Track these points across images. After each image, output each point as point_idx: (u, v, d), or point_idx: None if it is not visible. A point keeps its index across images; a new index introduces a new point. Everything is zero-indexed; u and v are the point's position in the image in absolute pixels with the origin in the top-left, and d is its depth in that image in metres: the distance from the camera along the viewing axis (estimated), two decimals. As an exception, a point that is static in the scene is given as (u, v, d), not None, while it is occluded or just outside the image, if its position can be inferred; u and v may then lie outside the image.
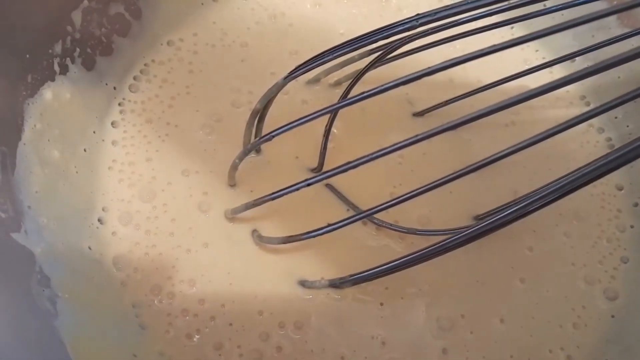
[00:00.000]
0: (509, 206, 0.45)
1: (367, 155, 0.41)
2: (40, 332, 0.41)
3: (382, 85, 0.41)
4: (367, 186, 0.54)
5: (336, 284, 0.49)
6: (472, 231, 0.42)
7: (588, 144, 0.59)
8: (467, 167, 0.41)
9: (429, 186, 0.41)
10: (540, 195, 0.40)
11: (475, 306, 0.50)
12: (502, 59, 0.58)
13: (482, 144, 0.58)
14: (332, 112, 0.45)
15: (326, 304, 0.49)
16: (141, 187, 0.53)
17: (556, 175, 0.53)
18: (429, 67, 0.40)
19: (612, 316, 0.51)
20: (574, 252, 0.54)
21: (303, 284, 0.50)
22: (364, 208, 0.45)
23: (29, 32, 0.46)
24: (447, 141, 0.57)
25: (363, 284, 0.49)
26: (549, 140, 0.53)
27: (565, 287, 0.52)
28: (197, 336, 0.47)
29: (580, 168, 0.38)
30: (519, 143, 0.39)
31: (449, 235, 0.43)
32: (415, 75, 0.40)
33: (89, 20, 0.52)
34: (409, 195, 0.42)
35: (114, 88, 0.56)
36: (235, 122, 0.56)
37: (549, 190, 0.40)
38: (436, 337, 0.49)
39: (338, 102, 0.45)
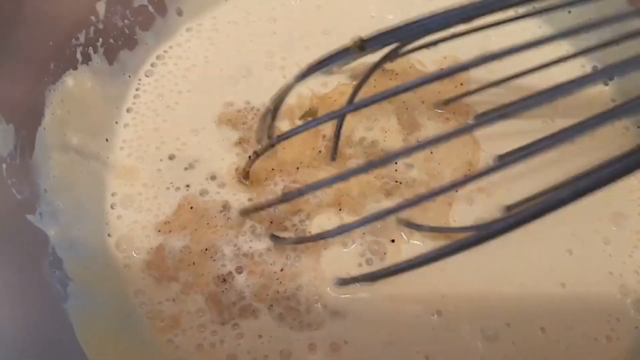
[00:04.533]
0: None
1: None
2: (49, 313, 0.42)
3: (395, 88, 0.38)
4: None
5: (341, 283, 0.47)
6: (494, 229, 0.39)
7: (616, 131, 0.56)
8: (501, 162, 0.38)
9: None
10: (571, 191, 0.36)
11: (519, 313, 0.48)
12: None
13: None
14: (339, 116, 0.43)
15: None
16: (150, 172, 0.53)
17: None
18: (456, 65, 0.37)
19: (636, 327, 0.48)
20: (612, 260, 0.50)
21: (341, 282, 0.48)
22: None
23: (53, 21, 0.47)
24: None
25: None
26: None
27: (602, 296, 0.49)
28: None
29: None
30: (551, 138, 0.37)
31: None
32: (434, 75, 0.37)
33: (113, 11, 0.53)
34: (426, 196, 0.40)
35: (139, 80, 0.57)
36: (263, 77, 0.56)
37: (580, 185, 0.36)
38: (480, 348, 0.46)
39: (345, 107, 0.43)
